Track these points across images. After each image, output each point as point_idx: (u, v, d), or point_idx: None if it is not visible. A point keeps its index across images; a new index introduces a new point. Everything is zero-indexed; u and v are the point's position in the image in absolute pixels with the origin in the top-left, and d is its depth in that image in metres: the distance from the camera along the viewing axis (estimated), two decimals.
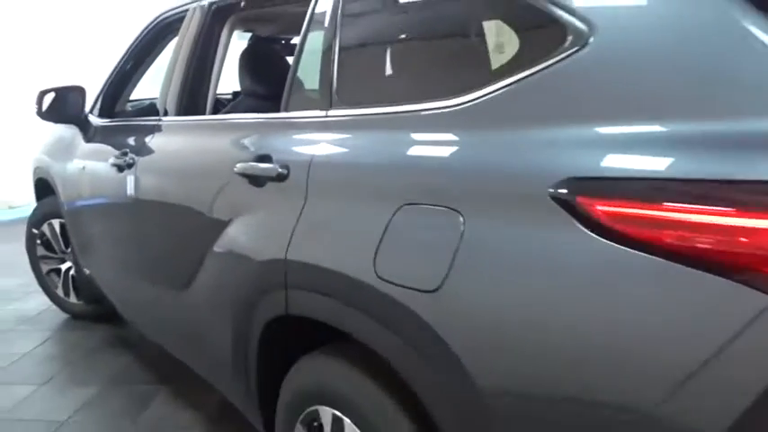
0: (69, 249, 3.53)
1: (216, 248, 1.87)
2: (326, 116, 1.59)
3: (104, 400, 2.84)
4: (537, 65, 1.11)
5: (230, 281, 1.81)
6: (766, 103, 0.88)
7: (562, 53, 1.09)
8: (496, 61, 1.28)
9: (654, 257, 0.90)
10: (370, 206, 1.35)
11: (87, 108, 3.04)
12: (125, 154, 2.47)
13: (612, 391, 0.95)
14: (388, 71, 1.61)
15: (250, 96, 2.42)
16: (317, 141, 1.60)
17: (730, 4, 0.93)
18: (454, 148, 1.24)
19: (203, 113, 2.28)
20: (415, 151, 1.32)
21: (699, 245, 0.87)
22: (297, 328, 1.63)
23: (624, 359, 0.93)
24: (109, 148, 2.69)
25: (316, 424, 1.58)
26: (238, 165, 1.75)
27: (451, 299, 1.14)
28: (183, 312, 2.18)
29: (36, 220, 3.72)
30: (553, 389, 1.02)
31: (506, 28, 1.33)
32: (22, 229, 3.87)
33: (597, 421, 0.97)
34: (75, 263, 3.38)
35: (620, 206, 0.95)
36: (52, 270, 3.73)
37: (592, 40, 1.06)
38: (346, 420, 1.45)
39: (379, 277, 1.27)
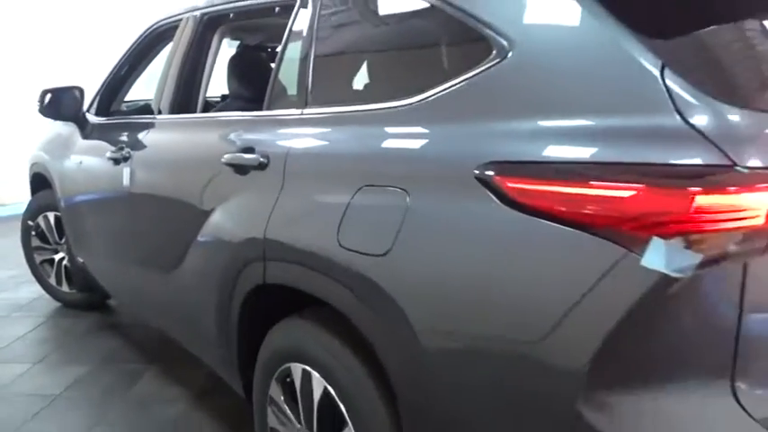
0: (63, 240, 3.75)
1: (204, 230, 2.12)
2: (302, 114, 1.85)
3: (95, 377, 3.06)
4: (468, 72, 1.39)
5: (216, 258, 2.06)
6: (630, 107, 1.16)
7: (488, 63, 1.36)
8: (438, 70, 1.55)
9: (547, 222, 1.17)
10: (335, 188, 1.61)
11: (85, 107, 3.27)
12: (121, 148, 2.71)
13: (512, 327, 1.22)
14: (353, 77, 1.88)
15: (237, 98, 2.67)
16: (293, 135, 1.86)
17: (611, 28, 1.21)
18: (403, 140, 1.52)
19: (194, 112, 2.53)
20: (372, 142, 1.59)
21: (579, 211, 1.14)
22: (272, 298, 1.88)
23: (522, 302, 1.20)
24: (105, 143, 2.92)
25: (288, 380, 1.83)
26: (225, 156, 2.01)
27: (397, 261, 1.41)
28: (174, 291, 2.42)
29: (31, 212, 3.93)
30: (470, 327, 1.29)
31: (447, 43, 1.60)
32: (12, 226, 4.08)
33: (499, 353, 1.24)
34: (69, 252, 3.60)
35: (524, 183, 1.21)
36: (45, 260, 3.95)
37: (511, 54, 1.33)
38: (314, 373, 1.70)
39: (341, 246, 1.53)
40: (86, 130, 3.22)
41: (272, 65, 2.13)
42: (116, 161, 2.73)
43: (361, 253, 1.48)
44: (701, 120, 1.09)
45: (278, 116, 1.96)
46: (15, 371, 3.12)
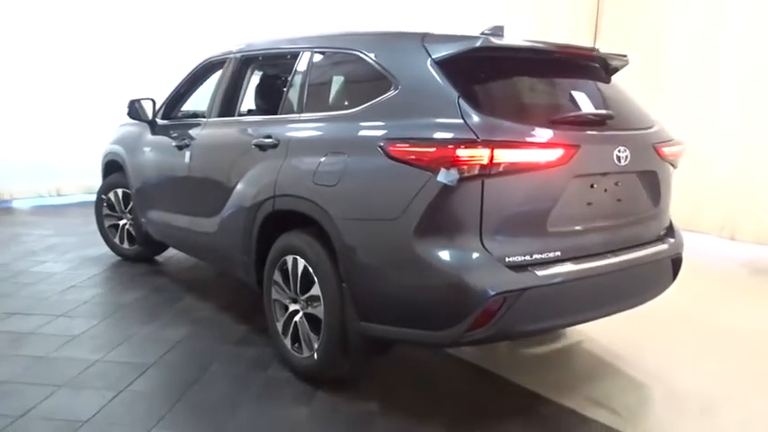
0: (128, 209, 5.18)
1: (238, 186, 3.54)
2: (299, 117, 3.29)
3: (148, 298, 4.45)
4: (379, 96, 2.82)
5: (245, 201, 3.47)
6: (444, 114, 2.57)
7: (387, 91, 2.80)
8: (368, 93, 2.96)
9: (404, 165, 2.58)
10: (314, 155, 3.02)
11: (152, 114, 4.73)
12: (183, 139, 4.16)
13: (384, 212, 2.64)
14: (327, 96, 3.33)
15: (260, 108, 4.11)
16: (293, 128, 3.29)
17: (440, 79, 2.64)
18: (347, 128, 2.95)
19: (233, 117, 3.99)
20: (334, 130, 3.02)
21: (416, 159, 2.55)
22: (278, 221, 3.27)
23: (389, 200, 2.61)
24: (169, 138, 4.37)
25: (284, 268, 3.23)
26: (254, 140, 3.44)
27: (340, 190, 2.82)
28: (215, 228, 3.82)
29: (104, 189, 5.38)
30: (366, 215, 2.70)
31: (371, 80, 3.02)
32: (71, 211, 5.46)
33: (379, 226, 2.67)
34: (134, 218, 5.03)
35: (399, 147, 2.62)
36: (112, 225, 5.38)
37: (399, 86, 2.77)
38: (299, 259, 3.10)
39: (315, 183, 2.95)
40: (155, 128, 4.68)
41: (283, 88, 3.57)
42: (180, 147, 4.18)
43: (324, 185, 2.90)
44: (470, 120, 2.51)
45: (285, 118, 3.40)
46: (93, 292, 4.54)
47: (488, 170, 2.46)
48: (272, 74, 4.25)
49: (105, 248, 5.46)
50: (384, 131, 2.75)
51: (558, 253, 2.67)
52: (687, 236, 3.36)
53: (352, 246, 2.78)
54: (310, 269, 3.02)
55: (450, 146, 2.48)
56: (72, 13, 7.98)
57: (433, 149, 2.52)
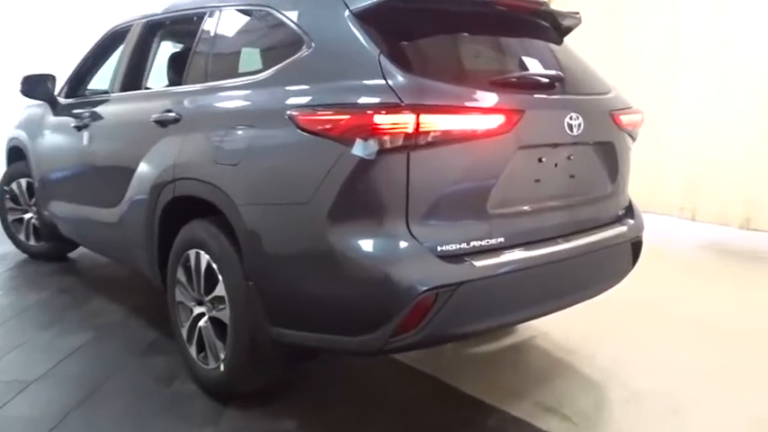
0: (32, 202, 4.60)
1: (138, 169, 3.04)
2: (204, 87, 2.81)
3: (55, 299, 3.94)
4: (290, 57, 2.36)
5: (145, 186, 2.98)
6: (364, 75, 2.13)
7: (299, 51, 2.34)
8: (273, 57, 2.51)
9: (316, 137, 2.13)
10: (216, 130, 2.55)
11: (56, 92, 4.17)
12: (82, 118, 3.63)
13: (291, 195, 2.20)
14: (232, 62, 2.85)
15: (168, 80, 3.61)
16: (197, 100, 2.81)
17: (358, 34, 2.19)
18: (254, 96, 2.48)
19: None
20: (239, 99, 2.55)
21: (327, 128, 2.10)
22: (180, 209, 2.79)
23: (298, 180, 2.17)
24: (71, 118, 3.83)
25: (187, 264, 2.75)
26: (154, 116, 2.94)
27: (243, 169, 2.36)
28: (118, 219, 3.31)
29: (6, 179, 4.78)
30: (274, 207, 2.25)
31: (278, 38, 2.56)
32: None
33: (286, 210, 2.22)
34: (38, 210, 4.46)
35: (309, 116, 2.17)
36: (16, 220, 4.80)
37: (313, 44, 2.31)
38: (202, 253, 2.63)
39: (216, 163, 2.48)
40: (57, 108, 4.12)
41: (189, 55, 3.07)
42: (78, 128, 3.65)
43: (226, 165, 2.43)
44: (393, 80, 2.07)
45: (189, 89, 2.91)
46: None
47: (415, 140, 2.03)
48: (178, 40, 3.74)
49: (11, 246, 4.88)
50: (294, 98, 2.29)
51: (501, 239, 2.26)
52: (645, 217, 2.99)
53: (257, 236, 2.32)
54: (214, 265, 2.55)
55: (367, 111, 2.04)
56: None
57: (346, 117, 2.07)
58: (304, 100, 2.25)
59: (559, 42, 2.82)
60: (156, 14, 3.45)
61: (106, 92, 3.71)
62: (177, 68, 3.21)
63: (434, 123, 2.05)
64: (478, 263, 2.15)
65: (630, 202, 2.97)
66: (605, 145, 2.65)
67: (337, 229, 2.10)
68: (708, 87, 5.93)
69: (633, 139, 2.85)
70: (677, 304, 3.95)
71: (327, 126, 2.11)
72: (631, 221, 2.86)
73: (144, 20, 3.51)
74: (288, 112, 2.23)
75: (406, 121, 2.01)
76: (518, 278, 2.27)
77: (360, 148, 2.02)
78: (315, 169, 2.13)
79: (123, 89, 3.50)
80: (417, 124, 2.01)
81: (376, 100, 2.06)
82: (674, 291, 4.26)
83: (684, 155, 6.08)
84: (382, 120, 2.01)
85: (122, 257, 3.57)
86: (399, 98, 2.03)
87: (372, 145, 2.01)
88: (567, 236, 2.49)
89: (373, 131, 2.01)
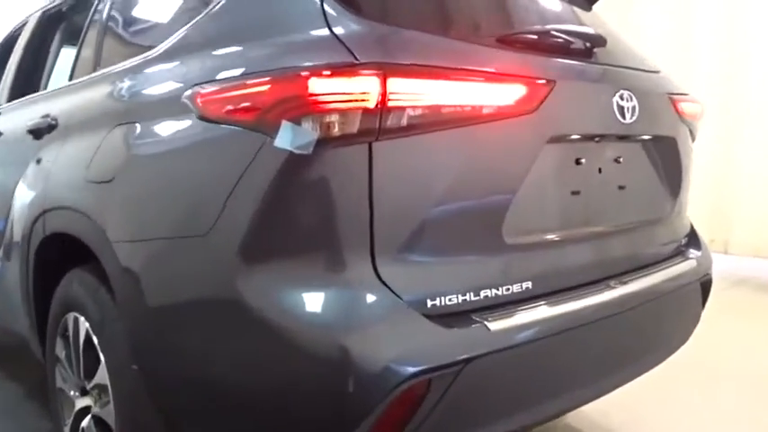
0: None
1: (14, 198, 2.18)
2: (88, 79, 1.98)
3: None
4: (192, 20, 1.55)
5: (17, 224, 2.13)
6: (296, 28, 1.32)
7: (205, 8, 1.53)
8: (171, 26, 1.69)
9: (222, 126, 1.30)
10: (94, 134, 1.71)
11: None
12: None
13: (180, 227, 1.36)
14: (125, 43, 2.03)
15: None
16: (77, 97, 1.98)
17: None
18: (142, 79, 1.66)
19: None
20: (124, 87, 1.72)
21: (239, 110, 1.28)
22: (56, 254, 1.94)
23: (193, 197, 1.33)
24: None
25: (66, 333, 1.88)
26: (28, 123, 2.11)
27: (119, 187, 1.52)
28: None
29: None
30: (159, 243, 1.42)
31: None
32: None
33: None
34: None
35: (213, 95, 1.35)
36: None
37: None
38: (80, 318, 1.77)
39: (87, 181, 1.64)
40: None
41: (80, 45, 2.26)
42: None
43: (97, 182, 1.59)
44: (342, 29, 1.26)
45: (71, 84, 2.09)
46: None
47: (380, 122, 1.20)
48: (74, 29, 2.94)
49: None
50: (194, 74, 1.46)
51: (528, 284, 1.41)
52: None
53: (138, 292, 1.46)
54: (94, 337, 1.69)
55: (300, 74, 1.21)
56: None
57: (265, 87, 1.25)
58: (208, 74, 1.42)
59: (588, 9, 2.03)
60: (52, 4, 2.65)
61: None
62: (69, 64, 2.39)
63: (412, 95, 1.22)
64: (494, 324, 1.30)
65: (692, 227, 2.15)
66: (665, 141, 1.84)
67: (254, 275, 1.24)
68: (731, 104, 5.20)
69: (693, 137, 2.05)
70: (723, 355, 3.15)
71: (238, 106, 1.28)
72: (698, 253, 2.03)
73: (39, 12, 2.71)
74: (185, 94, 1.40)
75: (364, 90, 1.18)
76: (556, 346, 1.42)
77: (287, 137, 1.18)
78: (219, 179, 1.29)
79: (11, 97, 2.67)
80: (383, 95, 1.18)
81: (314, 58, 1.24)
82: (715, 338, 3.40)
83: (710, 181, 5.29)
84: (323, 87, 1.18)
85: (9, 326, 2.65)
86: (353, 54, 1.21)
87: (308, 130, 1.18)
88: (619, 276, 1.65)
89: (309, 107, 1.18)
